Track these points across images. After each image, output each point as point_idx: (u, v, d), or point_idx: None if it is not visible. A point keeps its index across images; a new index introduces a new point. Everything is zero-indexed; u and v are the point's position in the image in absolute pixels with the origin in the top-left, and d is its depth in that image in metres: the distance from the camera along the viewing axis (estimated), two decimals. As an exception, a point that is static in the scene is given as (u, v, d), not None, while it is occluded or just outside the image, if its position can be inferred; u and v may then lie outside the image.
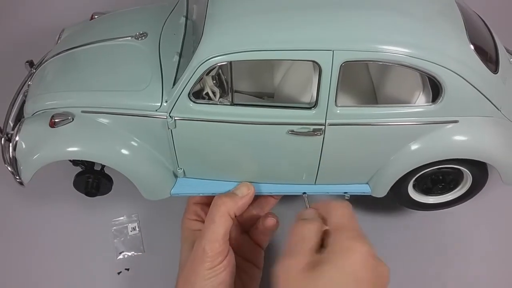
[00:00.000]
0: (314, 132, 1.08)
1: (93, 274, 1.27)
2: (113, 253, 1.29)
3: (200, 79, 1.04)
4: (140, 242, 1.31)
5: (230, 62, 1.02)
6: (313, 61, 1.00)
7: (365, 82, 1.28)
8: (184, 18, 1.21)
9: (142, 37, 1.21)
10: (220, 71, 1.07)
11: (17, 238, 1.32)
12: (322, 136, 1.09)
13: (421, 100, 1.08)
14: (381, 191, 1.21)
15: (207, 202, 1.18)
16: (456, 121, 1.09)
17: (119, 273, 1.26)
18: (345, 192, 1.22)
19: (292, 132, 1.08)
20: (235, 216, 1.07)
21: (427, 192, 1.24)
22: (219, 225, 1.03)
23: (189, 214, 1.17)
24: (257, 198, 1.18)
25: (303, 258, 0.86)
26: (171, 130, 1.10)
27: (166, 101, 1.08)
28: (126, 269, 1.27)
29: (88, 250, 1.30)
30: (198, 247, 1.02)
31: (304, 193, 1.18)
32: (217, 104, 1.07)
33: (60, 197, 1.38)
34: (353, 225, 0.91)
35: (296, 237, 0.91)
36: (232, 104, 1.07)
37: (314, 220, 0.93)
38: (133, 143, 1.15)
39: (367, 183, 1.22)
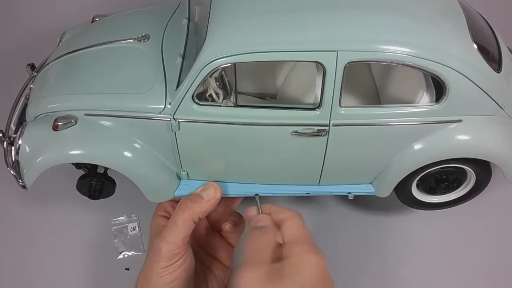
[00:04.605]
0: (318, 133, 1.08)
1: (93, 274, 1.27)
2: (113, 253, 1.29)
3: (204, 81, 1.04)
4: (140, 242, 1.31)
5: (234, 64, 1.02)
6: (317, 62, 1.00)
7: (368, 82, 1.28)
8: (186, 20, 1.21)
9: (144, 39, 1.21)
10: (223, 72, 1.07)
11: (17, 239, 1.32)
12: (326, 136, 1.09)
13: (424, 100, 1.08)
14: (385, 191, 1.21)
15: (177, 199, 1.18)
16: (459, 121, 1.09)
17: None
18: (349, 192, 1.22)
19: (296, 133, 1.08)
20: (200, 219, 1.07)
21: (430, 191, 1.24)
22: (181, 229, 1.03)
23: (158, 210, 1.17)
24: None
25: (262, 270, 0.88)
26: (174, 132, 1.10)
27: (169, 103, 1.08)
28: (126, 269, 1.27)
29: (88, 250, 1.30)
30: (157, 245, 1.02)
31: (256, 194, 1.15)
32: (221, 106, 1.07)
33: (60, 198, 1.38)
34: (306, 238, 0.93)
35: (253, 248, 0.93)
36: (236, 105, 1.07)
37: (269, 231, 0.95)
38: (136, 145, 1.14)
39: (371, 183, 1.22)
